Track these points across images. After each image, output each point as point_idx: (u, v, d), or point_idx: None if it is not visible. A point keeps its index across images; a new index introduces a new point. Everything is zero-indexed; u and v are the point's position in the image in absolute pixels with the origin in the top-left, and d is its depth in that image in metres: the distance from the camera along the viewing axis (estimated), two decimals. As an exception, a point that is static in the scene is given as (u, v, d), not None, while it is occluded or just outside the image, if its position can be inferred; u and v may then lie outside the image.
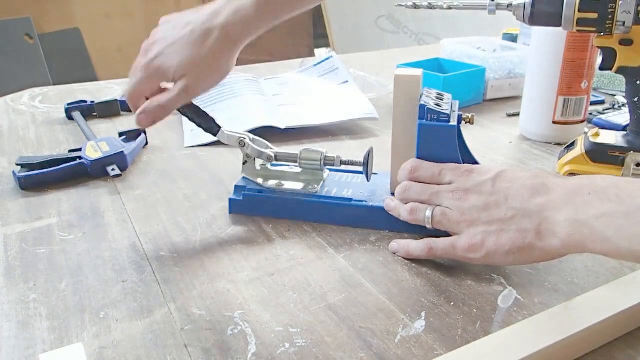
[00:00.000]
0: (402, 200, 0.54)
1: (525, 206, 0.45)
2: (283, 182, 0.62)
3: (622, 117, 0.87)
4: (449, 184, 0.51)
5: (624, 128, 0.82)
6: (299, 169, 0.62)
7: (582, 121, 0.80)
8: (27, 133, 0.87)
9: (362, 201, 0.58)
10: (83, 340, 0.42)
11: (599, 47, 0.65)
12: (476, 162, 0.58)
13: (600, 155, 0.66)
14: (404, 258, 0.52)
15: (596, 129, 0.70)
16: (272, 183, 0.62)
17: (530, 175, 0.47)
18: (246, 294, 0.47)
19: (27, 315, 0.45)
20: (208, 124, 0.60)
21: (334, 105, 0.92)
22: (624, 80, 0.65)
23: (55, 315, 0.45)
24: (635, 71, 0.64)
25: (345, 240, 0.56)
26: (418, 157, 0.55)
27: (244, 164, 0.63)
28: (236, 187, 0.62)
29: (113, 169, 0.69)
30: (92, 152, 0.71)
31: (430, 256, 0.51)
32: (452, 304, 0.46)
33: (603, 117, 0.88)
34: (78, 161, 0.70)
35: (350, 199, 0.59)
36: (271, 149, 0.63)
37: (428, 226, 0.51)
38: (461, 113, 0.55)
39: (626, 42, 0.63)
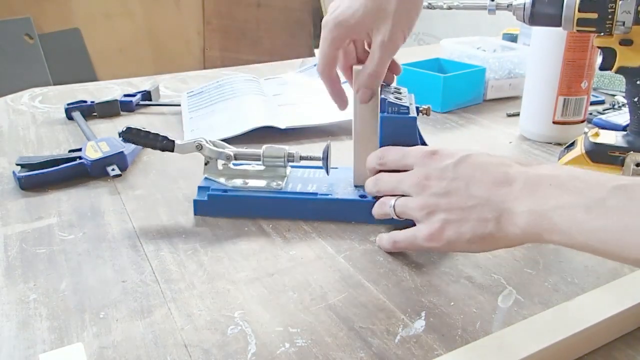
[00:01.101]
0: (372, 195, 0.55)
1: (486, 195, 0.44)
2: (247, 181, 0.62)
3: (622, 117, 0.87)
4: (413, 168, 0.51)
5: (624, 128, 0.82)
6: (261, 167, 0.63)
7: (582, 121, 0.80)
8: (27, 133, 0.87)
9: (327, 194, 0.60)
10: (83, 340, 0.42)
11: (599, 47, 0.65)
12: None
13: (600, 155, 0.66)
14: (403, 257, 0.52)
15: (596, 129, 0.70)
16: (236, 182, 0.62)
17: (495, 162, 0.46)
18: (246, 294, 0.47)
19: (27, 315, 0.45)
20: (161, 142, 0.60)
21: (334, 105, 0.92)
22: (624, 80, 0.66)
23: (55, 315, 0.45)
24: (635, 71, 0.64)
25: (345, 240, 0.56)
26: None
27: (205, 164, 0.62)
28: (199, 187, 0.62)
29: (113, 169, 0.69)
30: (92, 152, 0.71)
31: (397, 249, 0.52)
32: (452, 304, 0.46)
33: (603, 117, 0.88)
34: (78, 161, 0.70)
35: (316, 193, 0.60)
36: (230, 148, 0.62)
37: (395, 217, 0.52)
38: (418, 105, 0.59)
39: (626, 42, 0.63)
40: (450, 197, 0.46)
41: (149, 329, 0.43)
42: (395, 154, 0.53)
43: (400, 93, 0.59)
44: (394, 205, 0.51)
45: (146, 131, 0.61)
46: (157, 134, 0.61)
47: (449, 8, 0.76)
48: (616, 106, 0.94)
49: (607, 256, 0.39)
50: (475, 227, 0.45)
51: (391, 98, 0.57)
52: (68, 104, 0.93)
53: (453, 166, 0.47)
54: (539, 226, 0.41)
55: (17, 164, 0.69)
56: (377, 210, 0.54)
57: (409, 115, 0.56)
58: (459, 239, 0.46)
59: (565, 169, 0.43)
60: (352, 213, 0.59)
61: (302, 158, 0.61)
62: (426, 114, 0.59)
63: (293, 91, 0.99)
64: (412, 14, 0.56)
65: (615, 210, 0.37)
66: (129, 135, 0.60)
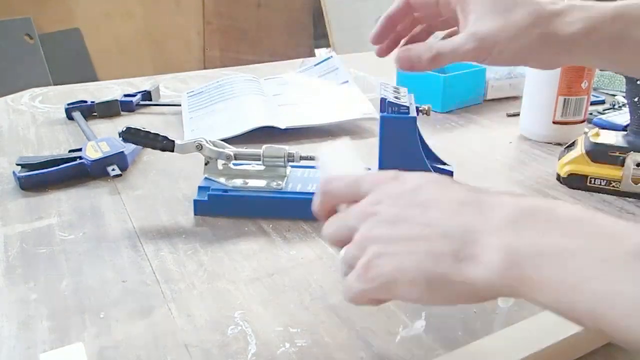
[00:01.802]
0: (332, 240, 0.38)
1: (445, 222, 0.32)
2: (247, 181, 0.62)
3: (622, 117, 0.87)
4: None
5: (624, 128, 0.82)
6: (261, 167, 0.63)
7: (582, 121, 0.80)
8: (27, 133, 0.87)
9: None
10: (83, 340, 0.42)
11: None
12: (434, 154, 0.63)
13: (600, 155, 0.66)
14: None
15: (596, 129, 0.70)
16: (236, 182, 0.62)
17: (470, 188, 0.35)
18: (246, 294, 0.47)
19: (27, 315, 0.45)
20: (161, 142, 0.60)
21: (334, 105, 0.92)
22: (624, 80, 0.65)
23: (55, 315, 0.45)
24: (635, 71, 0.64)
25: (345, 240, 0.56)
26: (381, 148, 0.57)
27: (206, 164, 0.62)
28: (199, 187, 0.62)
29: (113, 169, 0.69)
30: (92, 152, 0.71)
31: (353, 302, 0.36)
32: (452, 304, 0.46)
33: (603, 117, 0.88)
34: (78, 161, 0.70)
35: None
36: (230, 148, 0.63)
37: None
38: (418, 105, 0.58)
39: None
40: (396, 225, 0.33)
41: (149, 329, 0.43)
42: (340, 182, 0.39)
43: (399, 93, 0.59)
44: (341, 256, 0.36)
45: (146, 131, 0.61)
46: (157, 133, 0.61)
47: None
48: (616, 106, 0.94)
49: (612, 332, 0.27)
50: (424, 263, 0.31)
51: (391, 98, 0.57)
52: (68, 104, 0.93)
53: (411, 191, 0.35)
54: (520, 271, 0.29)
55: (17, 164, 0.69)
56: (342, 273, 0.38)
57: (409, 115, 0.56)
58: (397, 278, 0.32)
59: (567, 206, 0.31)
60: None
61: (302, 158, 0.61)
62: (426, 113, 0.59)
63: (293, 91, 0.99)
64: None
65: None
66: (128, 135, 0.60)
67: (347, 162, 0.45)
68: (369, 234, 0.34)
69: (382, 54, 0.55)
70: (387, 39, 0.53)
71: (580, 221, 0.29)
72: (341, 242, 0.37)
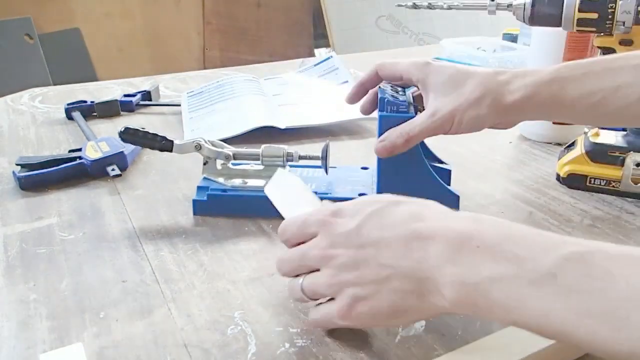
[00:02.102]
0: (287, 276, 0.44)
1: (400, 263, 0.37)
2: (246, 180, 0.62)
3: (622, 117, 0.87)
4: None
5: (624, 128, 0.82)
6: (260, 167, 0.63)
7: (582, 121, 0.80)
8: (27, 133, 0.87)
9: (327, 193, 0.60)
10: (83, 340, 0.42)
11: (599, 47, 0.65)
12: (432, 154, 0.63)
13: (600, 155, 0.66)
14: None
15: (596, 129, 0.70)
16: (235, 181, 0.62)
17: (404, 216, 0.38)
18: (246, 294, 0.47)
19: (27, 315, 0.45)
20: (160, 142, 0.60)
21: (334, 105, 0.92)
22: (624, 80, 0.65)
23: (55, 315, 0.45)
24: (635, 71, 0.64)
25: (345, 240, 0.56)
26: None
27: (204, 164, 0.62)
28: (199, 187, 0.62)
29: (113, 169, 0.69)
30: (92, 152, 0.71)
31: (318, 327, 0.43)
32: (452, 304, 0.46)
33: (603, 117, 0.88)
34: (78, 161, 0.70)
35: (315, 192, 0.59)
36: (229, 148, 0.63)
37: (307, 301, 0.42)
38: (417, 104, 0.58)
39: (626, 42, 0.63)
40: (360, 268, 0.38)
41: (149, 329, 0.43)
42: (293, 226, 0.43)
43: (397, 92, 0.59)
44: (301, 286, 0.41)
45: (144, 131, 0.61)
46: (155, 134, 0.61)
47: (449, 8, 0.76)
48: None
49: (564, 341, 0.32)
50: (394, 301, 0.37)
51: (389, 97, 0.57)
52: (68, 104, 0.93)
53: (357, 230, 0.39)
54: (472, 300, 0.34)
55: (17, 164, 0.69)
56: (291, 294, 0.43)
57: (408, 114, 0.56)
58: (376, 315, 0.38)
59: (493, 225, 0.35)
60: None
61: (301, 157, 0.61)
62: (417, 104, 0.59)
63: (293, 91, 0.99)
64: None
65: (569, 290, 0.30)
66: (127, 135, 0.60)
67: (296, 193, 0.50)
68: (339, 279, 0.39)
69: (352, 102, 0.63)
70: (359, 99, 0.62)
71: (507, 240, 0.33)
72: (295, 274, 0.43)
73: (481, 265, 0.33)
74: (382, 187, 0.59)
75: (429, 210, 0.39)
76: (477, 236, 0.34)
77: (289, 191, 0.50)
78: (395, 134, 0.55)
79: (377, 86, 0.60)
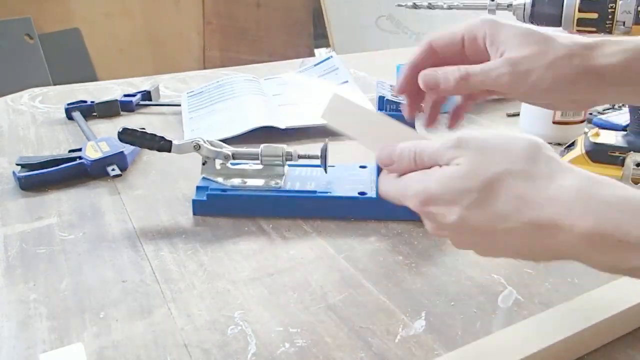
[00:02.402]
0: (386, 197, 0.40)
1: (535, 254, 0.35)
2: (246, 180, 0.62)
3: (622, 117, 0.87)
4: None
5: (624, 128, 0.82)
6: (259, 166, 0.63)
7: (582, 121, 0.80)
8: (27, 133, 0.87)
9: (326, 192, 0.60)
10: (83, 340, 0.42)
11: (599, 47, 0.65)
12: None
13: (600, 155, 0.66)
14: (404, 257, 0.52)
15: (596, 129, 0.70)
16: (234, 181, 0.62)
17: (512, 205, 0.33)
18: (246, 294, 0.47)
19: (27, 315, 0.45)
20: (158, 142, 0.60)
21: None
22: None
23: (55, 315, 0.45)
24: (635, 71, 0.64)
25: (345, 240, 0.56)
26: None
27: (203, 164, 0.63)
28: (198, 187, 0.62)
29: (113, 169, 0.69)
30: (92, 152, 0.71)
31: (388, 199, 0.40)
32: (452, 304, 0.46)
33: (603, 117, 0.88)
34: (78, 161, 0.70)
35: (315, 191, 0.60)
36: (228, 148, 0.63)
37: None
38: None
39: (626, 42, 0.63)
40: (476, 244, 0.37)
41: (149, 329, 0.43)
42: (400, 160, 0.39)
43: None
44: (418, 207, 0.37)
45: (142, 131, 0.61)
46: (153, 134, 0.61)
47: (449, 8, 0.76)
48: (616, 106, 0.94)
49: None
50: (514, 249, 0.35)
51: (388, 96, 0.57)
52: (68, 104, 0.93)
53: (461, 222, 0.35)
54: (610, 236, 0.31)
55: (17, 164, 0.69)
56: (391, 195, 0.39)
57: None
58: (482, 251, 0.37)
59: (620, 206, 0.32)
60: (351, 210, 0.59)
61: (300, 157, 0.61)
62: (423, 111, 0.59)
63: (293, 91, 0.99)
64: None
65: None
66: (125, 135, 0.60)
67: (356, 114, 0.44)
68: (457, 239, 0.37)
69: (405, 92, 0.50)
70: (413, 88, 0.48)
71: None
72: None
73: (631, 258, 0.31)
74: None
75: (533, 187, 0.33)
76: (613, 230, 0.31)
77: (349, 113, 0.45)
78: (452, 67, 0.45)
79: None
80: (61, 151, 0.78)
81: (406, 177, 0.38)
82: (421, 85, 0.46)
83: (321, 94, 0.46)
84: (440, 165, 0.36)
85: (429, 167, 0.37)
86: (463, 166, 0.35)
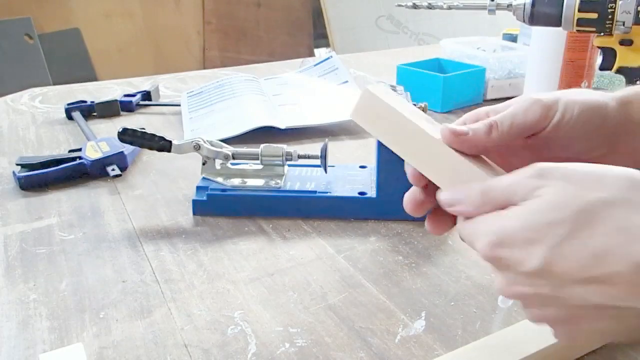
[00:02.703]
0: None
1: (629, 303, 0.28)
2: (246, 180, 0.62)
3: None
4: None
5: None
6: (259, 166, 0.63)
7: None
8: (27, 133, 0.87)
9: (326, 192, 0.60)
10: (83, 340, 0.42)
11: (599, 47, 0.65)
12: None
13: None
14: (403, 257, 0.52)
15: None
16: (234, 181, 0.62)
17: (614, 240, 0.27)
18: (246, 294, 0.47)
19: (27, 315, 0.45)
20: (158, 142, 0.60)
21: (334, 105, 0.92)
22: (624, 80, 0.65)
23: (55, 315, 0.45)
24: (635, 71, 0.64)
25: (345, 240, 0.56)
26: (378, 147, 0.56)
27: (203, 164, 0.63)
28: (198, 187, 0.62)
29: (113, 169, 0.69)
30: (92, 152, 0.71)
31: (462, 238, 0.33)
32: (452, 304, 0.46)
33: None
34: (78, 161, 0.70)
35: (315, 191, 0.60)
36: (227, 148, 0.63)
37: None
38: (414, 103, 0.58)
39: (626, 42, 0.63)
40: (560, 306, 0.30)
41: (149, 329, 0.43)
42: (468, 203, 0.32)
43: (396, 91, 0.59)
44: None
45: (142, 131, 0.61)
46: (153, 134, 0.61)
47: (449, 8, 0.76)
48: None
49: None
50: (607, 326, 0.30)
51: None
52: (68, 104, 0.93)
53: (543, 269, 0.28)
54: None
55: (17, 164, 0.69)
56: (464, 236, 0.33)
57: None
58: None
59: None
60: (351, 210, 0.59)
61: (300, 157, 0.61)
62: (423, 111, 0.59)
63: (293, 91, 0.99)
64: None
65: None
66: (125, 136, 0.60)
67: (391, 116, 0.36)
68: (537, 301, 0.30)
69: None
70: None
71: None
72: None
73: None
74: (381, 185, 0.59)
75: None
76: None
77: (382, 116, 0.36)
78: (475, 117, 0.37)
79: None
80: (61, 151, 0.78)
81: (479, 217, 0.31)
82: (443, 137, 0.35)
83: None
84: (517, 204, 0.30)
85: (503, 208, 0.30)
86: (548, 196, 0.28)
